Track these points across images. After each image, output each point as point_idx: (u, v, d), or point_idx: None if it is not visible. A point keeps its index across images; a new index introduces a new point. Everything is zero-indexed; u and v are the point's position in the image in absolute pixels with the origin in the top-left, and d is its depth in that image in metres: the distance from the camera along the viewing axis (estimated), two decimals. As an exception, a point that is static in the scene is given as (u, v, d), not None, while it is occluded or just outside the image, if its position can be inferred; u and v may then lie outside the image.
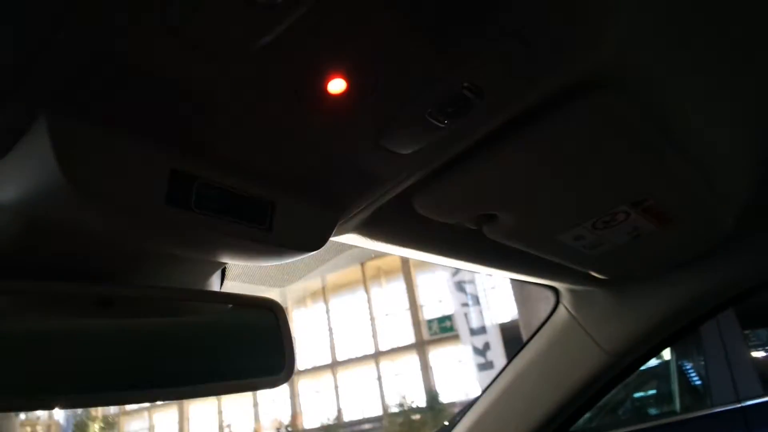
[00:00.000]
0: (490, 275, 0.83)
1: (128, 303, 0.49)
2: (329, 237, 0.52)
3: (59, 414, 24.57)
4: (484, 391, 1.15)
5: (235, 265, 0.81)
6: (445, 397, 17.97)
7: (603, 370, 0.99)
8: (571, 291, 0.95)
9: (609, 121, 0.52)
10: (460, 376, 19.28)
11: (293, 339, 0.55)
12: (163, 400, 0.49)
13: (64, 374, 0.44)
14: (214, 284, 0.56)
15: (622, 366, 1.02)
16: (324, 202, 0.50)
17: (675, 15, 0.42)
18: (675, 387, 3.03)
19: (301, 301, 22.06)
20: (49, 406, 0.46)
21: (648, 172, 0.61)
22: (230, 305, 0.54)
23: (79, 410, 23.27)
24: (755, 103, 0.53)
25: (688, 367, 3.15)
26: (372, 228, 0.58)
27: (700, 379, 3.09)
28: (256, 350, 0.55)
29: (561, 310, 1.00)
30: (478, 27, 0.38)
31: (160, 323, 0.51)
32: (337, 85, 0.37)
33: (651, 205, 0.66)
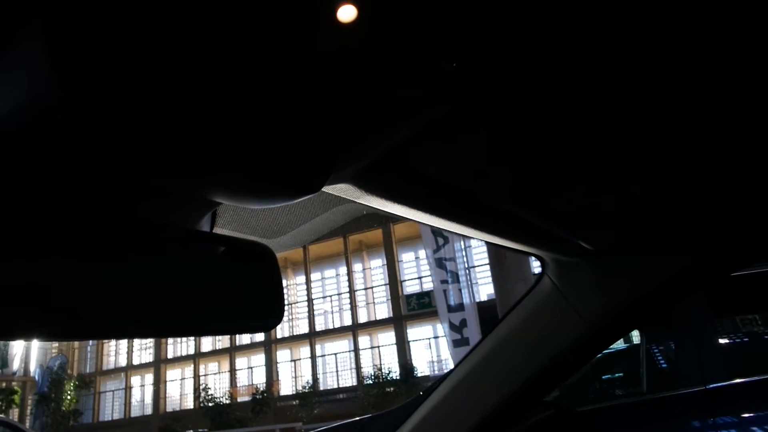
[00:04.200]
0: (481, 242, 0.83)
1: (115, 237, 0.48)
2: (326, 181, 0.52)
3: (34, 371, 24.52)
4: (463, 360, 1.16)
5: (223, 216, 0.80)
6: (419, 372, 18.32)
7: (582, 341, 1.01)
8: (557, 261, 0.96)
9: (609, 81, 0.52)
10: (435, 352, 19.63)
11: (283, 285, 0.55)
12: (150, 337, 0.49)
13: (45, 305, 0.43)
14: (205, 227, 0.56)
15: (600, 338, 1.04)
16: (323, 142, 0.49)
17: None
18: (643, 369, 3.12)
19: (282, 271, 22.02)
20: (19, 336, 0.44)
21: (643, 137, 0.61)
22: (222, 247, 0.54)
23: (55, 367, 23.26)
24: (758, 71, 0.53)
25: (656, 350, 3.24)
26: (367, 179, 0.58)
27: (669, 362, 3.18)
28: (245, 293, 0.54)
29: (545, 280, 1.01)
30: None
31: (147, 260, 0.50)
32: (346, 12, 0.36)
33: (645, 173, 0.67)
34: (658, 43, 0.48)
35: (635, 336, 3.30)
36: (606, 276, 0.95)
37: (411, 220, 0.73)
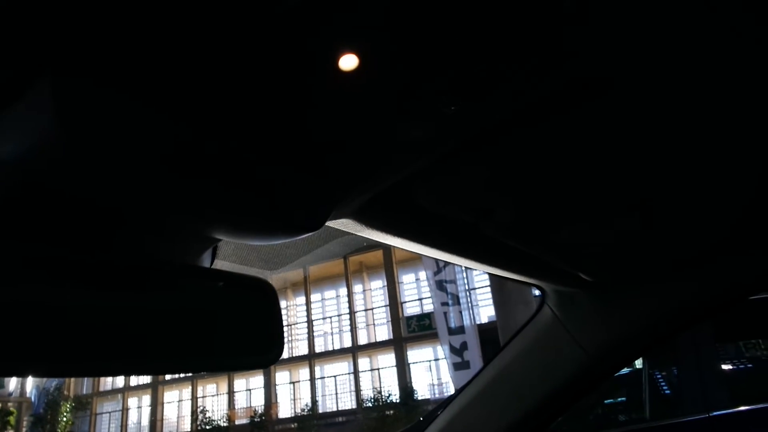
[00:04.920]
0: (481, 271, 0.84)
1: (117, 274, 0.49)
2: (328, 218, 0.52)
3: (31, 392, 24.25)
4: (463, 388, 1.15)
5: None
6: (419, 395, 18.08)
7: (584, 372, 1.00)
8: (558, 292, 0.96)
9: (608, 122, 0.53)
10: (436, 375, 19.41)
11: (283, 320, 0.55)
12: (149, 373, 0.49)
13: (47, 342, 0.43)
14: (206, 262, 0.56)
15: (602, 369, 1.03)
16: (325, 182, 0.50)
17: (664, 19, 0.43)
18: (646, 395, 3.08)
19: (282, 292, 21.94)
20: (24, 373, 0.45)
21: (642, 173, 0.62)
22: (222, 283, 0.54)
23: (52, 388, 23.00)
24: (757, 109, 0.54)
25: (659, 376, 3.20)
26: (369, 214, 0.58)
27: (671, 388, 3.15)
28: (245, 329, 0.54)
29: (545, 310, 1.01)
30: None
31: (148, 297, 0.50)
32: (348, 61, 0.37)
33: (644, 207, 0.68)
34: (654, 85, 0.49)
35: (638, 360, 3.27)
36: (606, 307, 0.95)
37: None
